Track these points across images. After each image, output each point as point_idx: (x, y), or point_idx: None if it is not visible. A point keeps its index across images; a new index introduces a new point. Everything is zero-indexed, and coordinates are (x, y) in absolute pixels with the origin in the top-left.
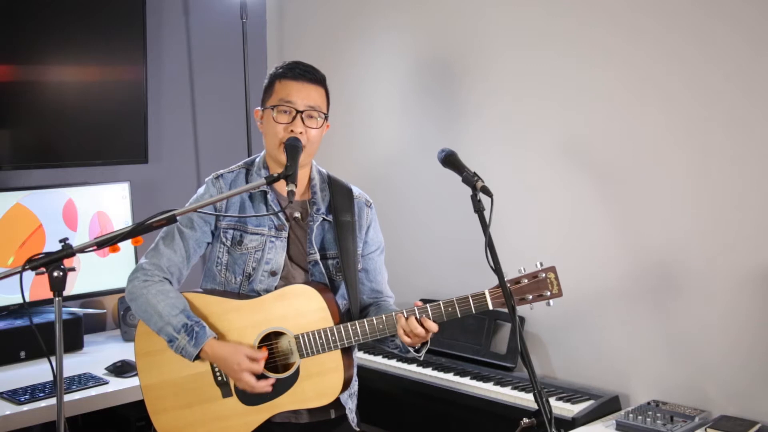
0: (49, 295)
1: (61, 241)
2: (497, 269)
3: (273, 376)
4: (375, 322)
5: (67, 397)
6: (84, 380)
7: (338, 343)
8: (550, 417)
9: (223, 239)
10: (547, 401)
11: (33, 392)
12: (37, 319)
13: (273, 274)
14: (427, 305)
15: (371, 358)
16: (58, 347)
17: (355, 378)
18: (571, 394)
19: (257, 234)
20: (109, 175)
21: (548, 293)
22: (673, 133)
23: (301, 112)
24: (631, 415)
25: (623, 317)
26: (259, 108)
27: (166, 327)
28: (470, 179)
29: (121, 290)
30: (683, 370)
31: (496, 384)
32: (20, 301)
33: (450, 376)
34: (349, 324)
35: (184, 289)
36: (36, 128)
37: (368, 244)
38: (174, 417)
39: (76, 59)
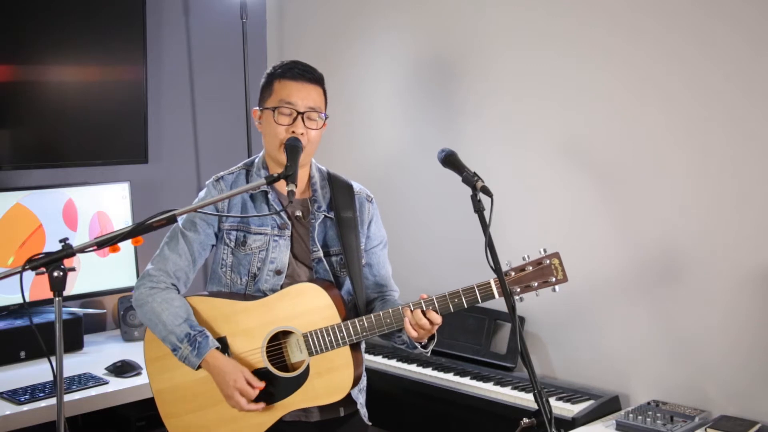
0: (49, 295)
1: (61, 241)
2: (497, 269)
3: (283, 376)
4: (382, 316)
5: (67, 397)
6: (84, 380)
7: (347, 340)
8: (550, 417)
9: (227, 241)
10: (547, 401)
11: (33, 392)
12: (37, 319)
13: (278, 273)
14: (433, 297)
15: (371, 358)
16: (58, 347)
17: (364, 374)
18: (571, 394)
19: (260, 234)
20: (109, 175)
21: (553, 279)
22: (673, 133)
23: (302, 113)
24: (631, 415)
25: (623, 317)
26: (257, 108)
27: (170, 336)
28: (470, 179)
29: (121, 290)
30: (683, 370)
31: (496, 384)
32: (20, 301)
33: (450, 376)
34: (356, 320)
35: (189, 293)
36: (36, 128)
37: (370, 238)
38: (187, 420)
39: (76, 59)
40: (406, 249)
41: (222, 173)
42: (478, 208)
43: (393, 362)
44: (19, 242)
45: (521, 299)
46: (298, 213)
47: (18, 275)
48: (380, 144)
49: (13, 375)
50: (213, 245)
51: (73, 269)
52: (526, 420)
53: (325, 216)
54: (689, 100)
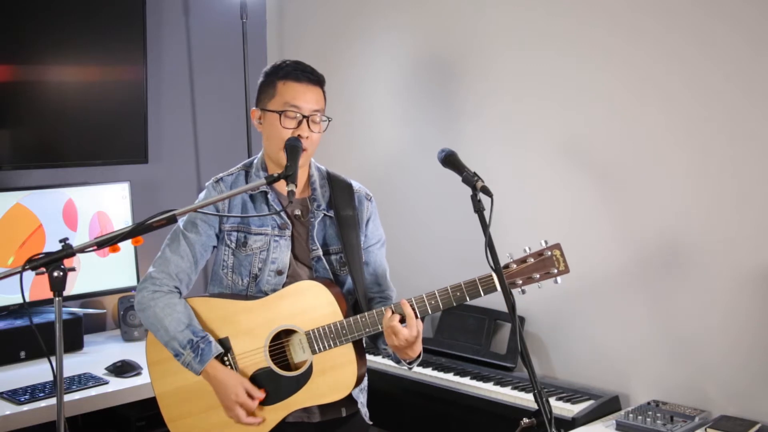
0: (49, 295)
1: (61, 241)
2: (497, 269)
3: (286, 375)
4: (384, 311)
5: (67, 397)
6: (84, 380)
7: (349, 336)
8: (550, 417)
9: (228, 242)
10: (547, 401)
11: (33, 392)
12: (37, 319)
13: (279, 273)
14: (435, 290)
15: (371, 358)
16: (58, 347)
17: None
18: (571, 394)
19: (261, 234)
20: (109, 175)
21: (555, 270)
22: (673, 133)
23: (307, 117)
24: (631, 415)
25: (623, 317)
26: (256, 108)
27: (172, 342)
28: (470, 179)
29: (121, 290)
30: (683, 370)
31: (496, 384)
32: (20, 301)
33: (450, 376)
34: (359, 316)
35: (190, 295)
36: (36, 128)
37: (368, 237)
38: (191, 423)
39: (76, 59)
40: (405, 249)
41: (221, 174)
42: (478, 208)
43: (393, 362)
44: (19, 242)
45: (523, 291)
46: (298, 212)
47: (18, 275)
48: (380, 144)
49: (13, 375)
50: (214, 246)
51: (73, 269)
52: (526, 420)
53: (325, 215)
54: (689, 100)
